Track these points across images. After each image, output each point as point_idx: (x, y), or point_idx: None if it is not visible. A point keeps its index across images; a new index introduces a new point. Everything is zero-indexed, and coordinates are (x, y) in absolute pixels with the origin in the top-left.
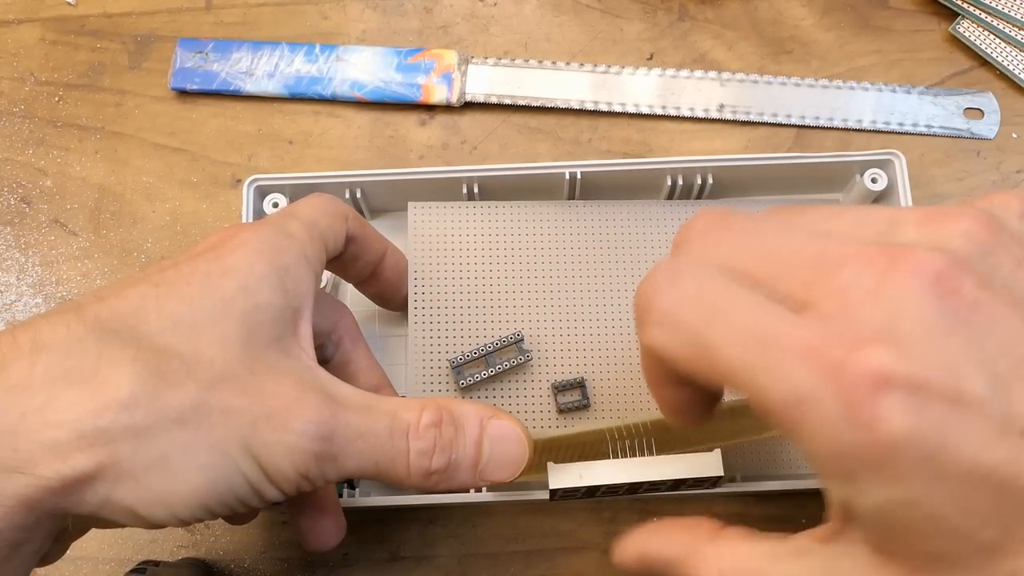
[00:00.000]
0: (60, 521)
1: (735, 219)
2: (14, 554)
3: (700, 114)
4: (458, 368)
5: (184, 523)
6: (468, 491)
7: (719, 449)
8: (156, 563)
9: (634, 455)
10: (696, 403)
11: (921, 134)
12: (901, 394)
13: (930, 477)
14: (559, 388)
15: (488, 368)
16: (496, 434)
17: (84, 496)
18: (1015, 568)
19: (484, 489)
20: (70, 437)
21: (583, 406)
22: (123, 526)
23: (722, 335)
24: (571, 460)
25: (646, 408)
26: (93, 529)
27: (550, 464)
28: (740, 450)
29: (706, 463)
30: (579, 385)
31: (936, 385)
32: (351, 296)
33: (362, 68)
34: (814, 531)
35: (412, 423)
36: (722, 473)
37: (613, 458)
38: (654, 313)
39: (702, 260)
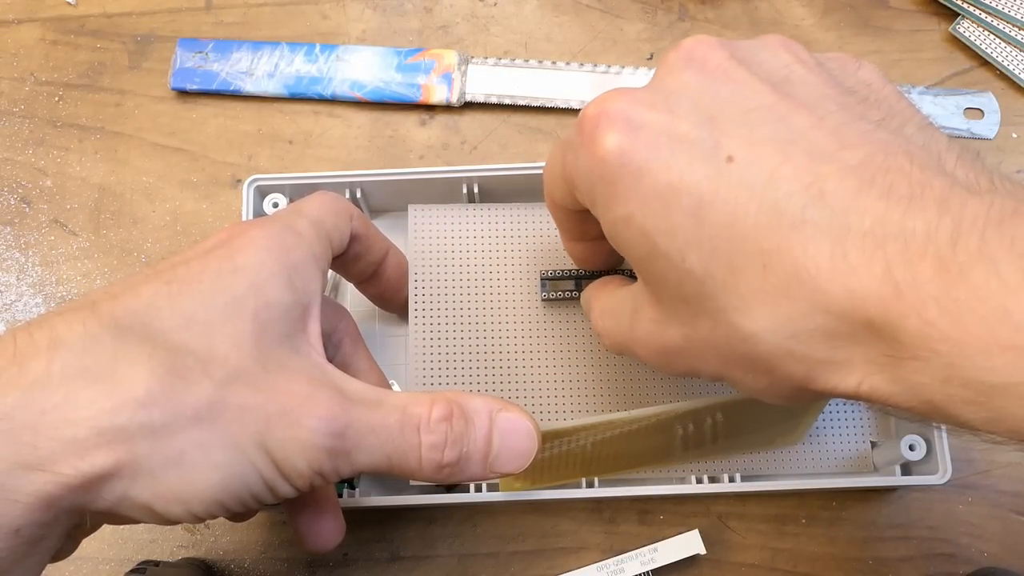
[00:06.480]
0: (77, 518)
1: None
2: (32, 551)
3: None
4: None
5: (198, 519)
6: (477, 482)
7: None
8: (156, 563)
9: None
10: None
11: None
12: (620, 124)
13: (640, 195)
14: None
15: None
16: (505, 427)
17: (102, 493)
18: (726, 303)
19: (486, 487)
20: (89, 434)
21: None
22: (138, 522)
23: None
24: (579, 449)
25: (648, 398)
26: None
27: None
28: (740, 449)
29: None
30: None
31: (651, 118)
32: (351, 297)
33: (362, 68)
34: None
35: (423, 417)
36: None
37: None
38: (548, 180)
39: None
